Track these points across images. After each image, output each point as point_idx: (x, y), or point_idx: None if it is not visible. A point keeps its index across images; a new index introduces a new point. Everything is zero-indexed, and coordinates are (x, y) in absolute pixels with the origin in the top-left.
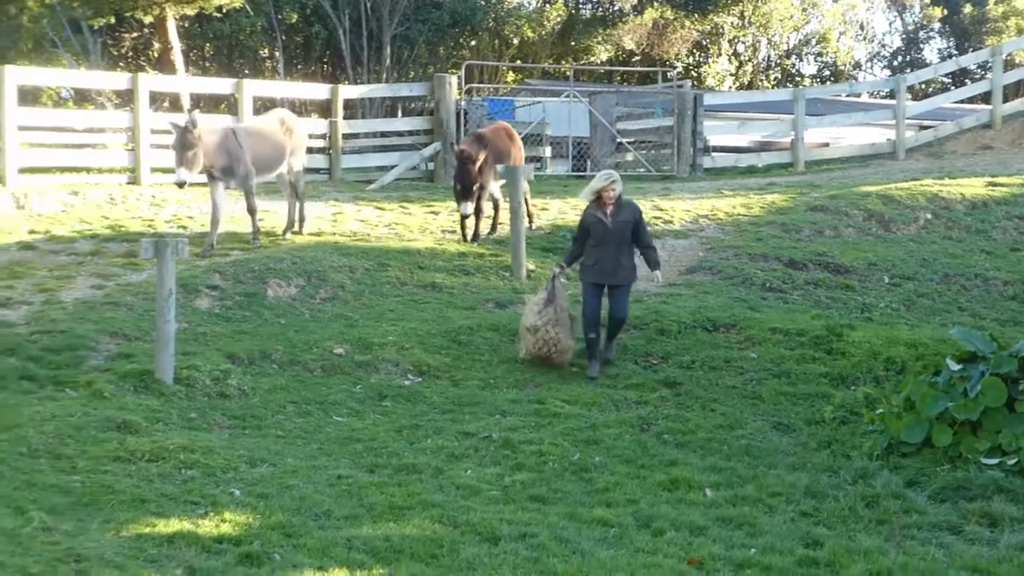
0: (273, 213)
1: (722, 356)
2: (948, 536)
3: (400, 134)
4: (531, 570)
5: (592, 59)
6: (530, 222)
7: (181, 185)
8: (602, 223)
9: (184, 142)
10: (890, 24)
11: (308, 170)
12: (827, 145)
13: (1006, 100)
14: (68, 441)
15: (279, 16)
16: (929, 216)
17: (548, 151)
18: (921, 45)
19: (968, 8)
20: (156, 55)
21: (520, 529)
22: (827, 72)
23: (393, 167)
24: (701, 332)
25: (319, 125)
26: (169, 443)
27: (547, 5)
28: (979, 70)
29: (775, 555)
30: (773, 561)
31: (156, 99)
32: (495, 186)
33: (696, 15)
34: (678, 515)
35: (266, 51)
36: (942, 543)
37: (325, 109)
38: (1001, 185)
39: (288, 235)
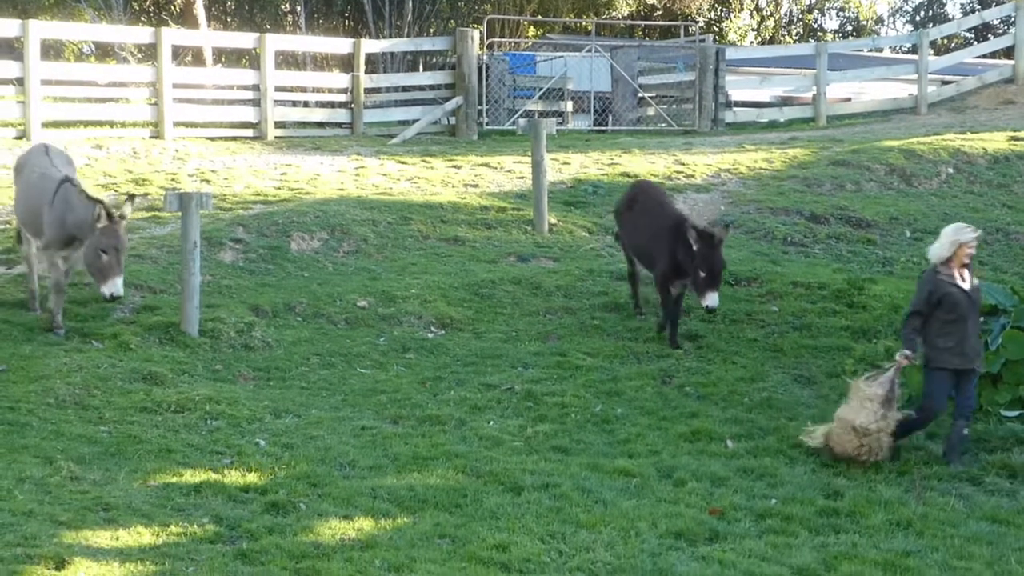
0: (297, 167)
1: (743, 309)
2: (968, 487)
3: (422, 88)
4: (554, 519)
5: (613, 14)
6: None
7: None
8: (960, 291)
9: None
10: None
11: (330, 124)
12: (849, 100)
13: None
14: (95, 392)
15: None
16: (951, 170)
17: (570, 106)
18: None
19: None
20: (178, 9)
21: (543, 479)
22: (849, 27)
23: (415, 121)
24: (723, 285)
25: (341, 79)
26: (195, 394)
27: None
28: (1002, 25)
29: (796, 505)
30: (794, 511)
31: (178, 53)
32: None
33: None
34: (699, 466)
35: (287, 5)
36: (962, 494)
37: (347, 63)
38: (1023, 140)
39: None
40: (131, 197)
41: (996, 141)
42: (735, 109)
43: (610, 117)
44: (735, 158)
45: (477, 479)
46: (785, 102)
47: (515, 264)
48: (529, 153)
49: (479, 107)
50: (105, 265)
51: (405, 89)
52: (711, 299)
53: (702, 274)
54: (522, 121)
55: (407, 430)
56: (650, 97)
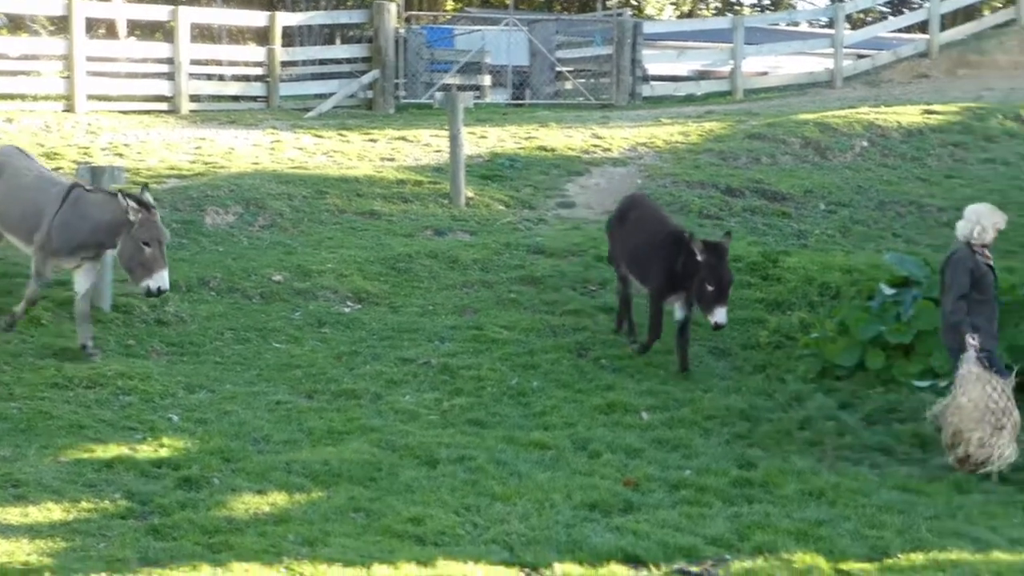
0: (212, 141)
1: None
2: (880, 457)
3: (338, 62)
4: (469, 492)
5: None
6: None
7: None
8: (992, 271)
9: None
10: None
11: (246, 98)
12: (765, 74)
13: (943, 29)
14: (5, 368)
15: None
16: (865, 144)
17: (487, 80)
18: None
19: None
20: None
21: (458, 452)
22: (766, 1)
23: (331, 95)
24: None
25: (257, 53)
26: (107, 369)
27: None
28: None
29: (710, 476)
30: (708, 482)
31: (92, 26)
32: None
33: None
34: (614, 438)
35: None
36: (874, 463)
37: (263, 36)
38: (937, 113)
39: None
40: (145, 187)
41: (910, 115)
42: (652, 83)
43: (528, 91)
44: (652, 132)
45: (392, 453)
46: (702, 76)
47: (432, 238)
48: (446, 127)
49: (396, 81)
50: (149, 258)
51: (322, 63)
52: (720, 315)
53: (710, 288)
54: (439, 95)
55: (322, 404)
56: (568, 71)
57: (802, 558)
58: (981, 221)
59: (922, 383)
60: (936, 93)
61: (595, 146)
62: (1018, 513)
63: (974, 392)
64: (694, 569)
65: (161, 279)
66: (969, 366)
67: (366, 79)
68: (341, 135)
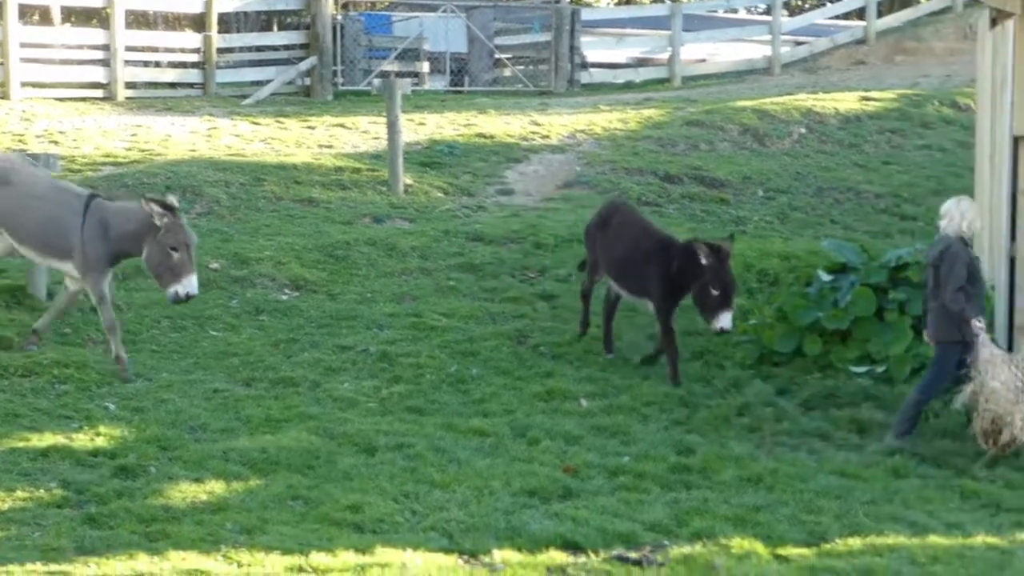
0: (148, 129)
1: None
2: (818, 442)
3: (276, 48)
4: (408, 479)
5: None
6: None
7: None
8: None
9: None
10: None
11: (182, 85)
12: (704, 61)
13: (880, 16)
14: None
15: None
16: (803, 130)
17: (426, 67)
18: None
19: None
20: None
21: (397, 440)
22: None
23: (269, 82)
24: (578, 246)
25: (193, 39)
26: (42, 358)
27: None
28: None
29: (648, 462)
30: (646, 468)
31: (25, 12)
32: None
33: None
34: (553, 424)
35: None
36: (812, 449)
37: (199, 23)
38: (874, 100)
39: None
40: (168, 189)
41: (847, 101)
42: (591, 70)
43: (466, 78)
44: (590, 119)
45: (331, 440)
46: (640, 63)
47: (370, 225)
48: (384, 114)
49: (334, 68)
50: (177, 263)
51: (259, 49)
52: (725, 320)
53: (715, 292)
54: (377, 81)
55: (260, 392)
56: (506, 58)
57: (740, 543)
58: (966, 215)
59: (859, 369)
60: (873, 80)
61: (534, 133)
62: (955, 497)
63: (1003, 374)
64: (632, 555)
65: (190, 284)
66: (989, 349)
67: (303, 66)
68: (279, 122)
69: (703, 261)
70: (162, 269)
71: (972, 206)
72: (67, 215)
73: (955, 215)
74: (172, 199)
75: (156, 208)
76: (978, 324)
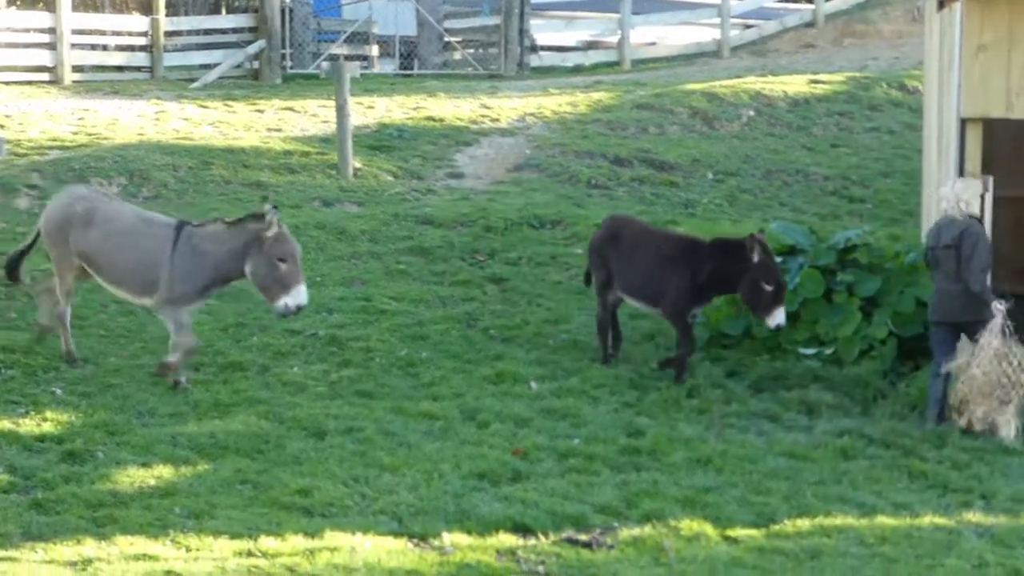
0: (95, 112)
1: (548, 252)
2: (767, 424)
3: (224, 32)
4: (357, 463)
5: None
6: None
7: None
8: None
9: None
10: None
11: (129, 68)
12: (654, 44)
13: None
14: None
15: None
16: (752, 113)
17: (375, 50)
18: None
19: None
20: None
21: (347, 424)
22: None
23: (217, 65)
24: (527, 229)
25: (140, 22)
26: None
27: None
28: None
29: (598, 444)
30: (596, 450)
31: None
32: None
33: None
34: (503, 408)
35: None
36: (761, 431)
37: (146, 6)
38: (822, 82)
39: None
40: (265, 200)
41: (796, 84)
42: (541, 53)
43: (416, 61)
44: (540, 102)
45: (280, 425)
46: (590, 46)
47: (319, 209)
48: (333, 97)
49: (283, 51)
50: (286, 274)
51: (207, 32)
52: (780, 316)
53: (768, 288)
54: (325, 64)
55: (208, 377)
56: (456, 41)
57: (689, 525)
58: (961, 196)
59: (808, 350)
60: (822, 63)
61: (483, 116)
62: (903, 478)
63: (989, 366)
64: (582, 537)
65: (299, 295)
66: (991, 338)
67: (252, 49)
68: (227, 105)
69: (755, 258)
70: (270, 282)
71: (962, 185)
72: (157, 250)
73: (951, 197)
74: (270, 208)
75: (252, 224)
76: (999, 306)
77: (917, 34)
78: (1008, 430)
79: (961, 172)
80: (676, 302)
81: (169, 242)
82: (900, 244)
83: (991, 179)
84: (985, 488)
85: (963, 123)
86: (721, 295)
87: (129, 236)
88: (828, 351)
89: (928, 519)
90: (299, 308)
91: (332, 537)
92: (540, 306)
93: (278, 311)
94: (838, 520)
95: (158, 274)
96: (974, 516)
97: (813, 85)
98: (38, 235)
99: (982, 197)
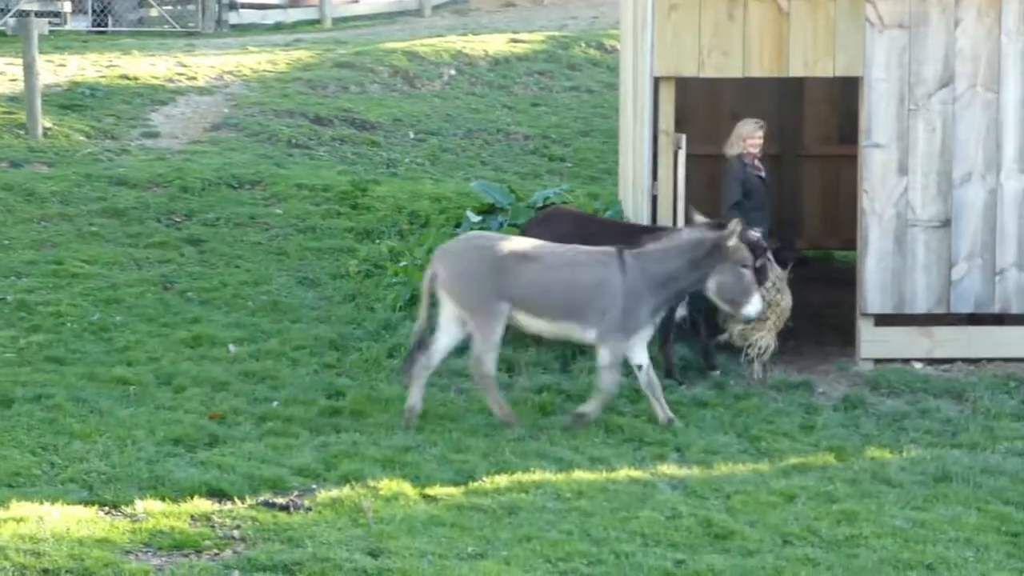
0: None
1: (247, 213)
2: (466, 382)
3: None
4: (46, 431)
5: None
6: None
7: None
8: (762, 180)
9: None
10: None
11: None
12: (355, 2)
13: None
14: None
15: None
16: (453, 72)
17: (68, 6)
18: None
19: None
20: None
21: (35, 391)
22: None
23: None
24: (226, 189)
25: None
26: None
27: None
28: None
29: (297, 406)
30: (295, 412)
31: None
32: None
33: None
34: (200, 371)
35: None
36: (461, 389)
37: None
38: (523, 42)
39: None
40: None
41: (497, 43)
42: (240, 11)
43: (110, 18)
44: (239, 60)
45: None
46: (291, 4)
47: (7, 170)
48: (22, 55)
49: None
50: (749, 281)
51: None
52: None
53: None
54: (12, 21)
55: None
56: None
57: (388, 485)
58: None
59: None
60: (522, 22)
61: (180, 75)
62: (599, 432)
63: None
64: (279, 500)
65: (758, 301)
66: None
67: None
68: None
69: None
70: (735, 292)
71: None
72: (603, 282)
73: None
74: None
75: (710, 238)
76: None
77: None
78: (761, 346)
79: (655, 130)
80: None
81: (618, 272)
82: (599, 202)
83: (684, 137)
84: (680, 441)
85: (656, 82)
86: None
87: (568, 267)
88: None
89: (624, 472)
90: (759, 313)
91: (19, 507)
92: (239, 267)
93: (744, 319)
94: (536, 476)
95: (603, 305)
96: (668, 468)
97: (513, 44)
98: None
99: (675, 154)
